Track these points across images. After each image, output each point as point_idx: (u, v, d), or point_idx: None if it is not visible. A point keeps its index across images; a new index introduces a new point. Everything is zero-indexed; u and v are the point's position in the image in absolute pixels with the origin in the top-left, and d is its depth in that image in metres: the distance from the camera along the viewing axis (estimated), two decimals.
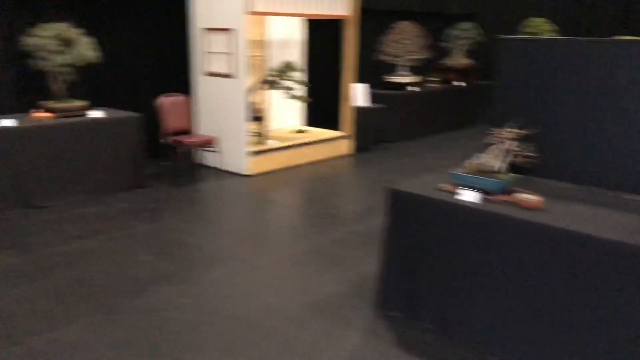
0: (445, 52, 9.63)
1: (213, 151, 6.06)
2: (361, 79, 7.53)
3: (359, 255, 4.00)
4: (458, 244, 2.78)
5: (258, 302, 3.30)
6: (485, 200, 2.77)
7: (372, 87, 7.78)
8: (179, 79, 6.47)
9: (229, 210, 5.08)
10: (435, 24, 9.65)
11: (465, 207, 2.73)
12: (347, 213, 5.03)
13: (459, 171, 2.99)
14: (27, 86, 5.42)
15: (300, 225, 4.75)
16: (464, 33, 9.53)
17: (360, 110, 7.36)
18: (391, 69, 8.46)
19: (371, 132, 7.50)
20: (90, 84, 5.89)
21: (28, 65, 5.01)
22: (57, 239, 4.17)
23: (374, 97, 7.79)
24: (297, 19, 7.28)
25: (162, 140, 5.77)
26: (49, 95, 5.20)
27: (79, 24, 5.31)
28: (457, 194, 2.83)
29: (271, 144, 6.43)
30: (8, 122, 4.63)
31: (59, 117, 4.98)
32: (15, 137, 4.62)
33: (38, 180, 4.79)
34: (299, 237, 4.43)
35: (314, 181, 6.04)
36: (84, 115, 5.18)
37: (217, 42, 6.05)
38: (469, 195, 2.79)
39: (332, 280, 3.60)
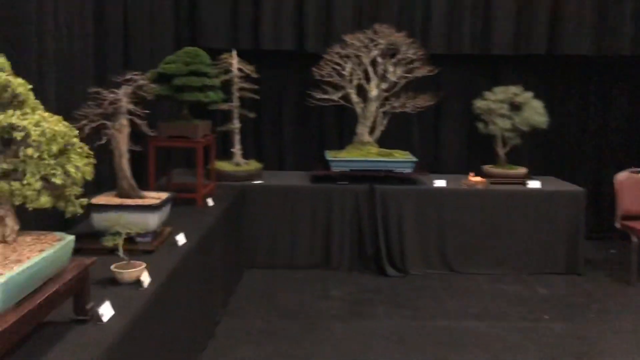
0: None
1: None
2: None
3: None
4: None
5: None
6: None
7: None
8: None
9: None
10: None
11: None
12: None
13: None
14: (473, 149, 5.44)
15: None
16: None
17: None
18: None
19: None
20: (534, 150, 5.47)
21: (477, 128, 5.00)
22: (455, 312, 3.92)
23: None
24: None
25: (616, 224, 4.78)
26: (492, 159, 5.05)
27: (530, 86, 5.01)
28: None
29: None
30: (441, 183, 4.71)
31: (493, 183, 4.75)
32: (444, 200, 4.64)
33: (460, 245, 4.67)
34: None
35: None
36: (520, 183, 4.79)
37: None
38: None
39: None
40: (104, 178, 3.43)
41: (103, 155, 3.08)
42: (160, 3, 4.59)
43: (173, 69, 3.60)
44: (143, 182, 3.78)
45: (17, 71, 2.49)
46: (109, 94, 2.84)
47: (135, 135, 3.04)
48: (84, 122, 2.75)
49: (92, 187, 3.24)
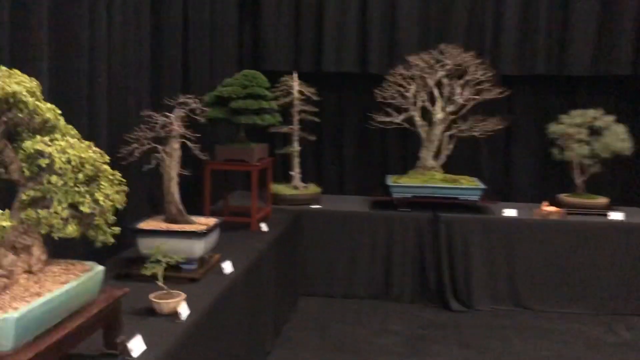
0: None
1: None
2: None
3: None
4: None
5: None
6: None
7: None
8: None
9: None
10: None
11: None
12: None
13: None
14: (548, 176, 5.07)
15: None
16: None
17: None
18: None
19: None
20: (616, 178, 5.02)
21: (551, 154, 4.66)
22: (524, 354, 3.59)
23: None
24: None
25: None
26: (568, 187, 4.68)
27: (611, 109, 4.63)
28: None
29: None
30: (511, 212, 4.39)
31: (569, 214, 4.38)
32: (514, 230, 4.31)
33: (532, 280, 4.32)
34: None
35: None
36: (600, 214, 4.39)
37: None
38: None
39: None
40: (159, 201, 3.41)
41: (157, 179, 3.07)
42: (223, 25, 4.61)
43: (230, 92, 3.55)
44: (200, 205, 3.75)
45: (69, 96, 2.51)
46: (162, 117, 2.82)
47: (192, 159, 3.00)
48: (135, 145, 2.73)
49: (147, 210, 3.24)
